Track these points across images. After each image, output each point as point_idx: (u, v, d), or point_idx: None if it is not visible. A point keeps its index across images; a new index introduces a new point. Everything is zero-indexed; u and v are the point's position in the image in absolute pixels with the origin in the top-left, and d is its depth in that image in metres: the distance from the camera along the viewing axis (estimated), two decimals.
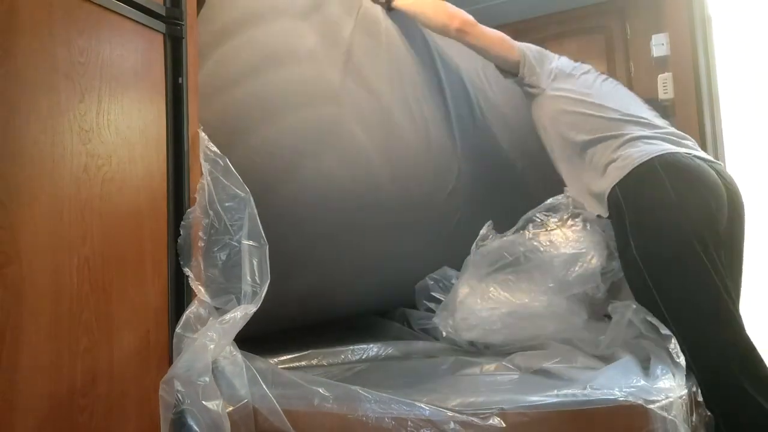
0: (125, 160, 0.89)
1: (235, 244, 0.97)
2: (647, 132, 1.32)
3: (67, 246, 0.79)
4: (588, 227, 1.39)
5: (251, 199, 0.99)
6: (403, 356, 1.35)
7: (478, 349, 1.37)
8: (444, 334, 1.38)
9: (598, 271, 1.35)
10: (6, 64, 0.74)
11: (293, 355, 1.29)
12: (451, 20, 1.48)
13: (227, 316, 0.92)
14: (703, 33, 2.31)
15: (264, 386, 0.92)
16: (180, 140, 0.98)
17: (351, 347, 1.35)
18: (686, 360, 1.09)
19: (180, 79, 0.99)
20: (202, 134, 1.02)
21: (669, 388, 0.98)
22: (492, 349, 1.36)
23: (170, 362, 0.92)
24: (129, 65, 0.91)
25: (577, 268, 1.35)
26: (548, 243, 1.38)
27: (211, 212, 0.98)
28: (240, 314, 0.92)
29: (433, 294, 1.49)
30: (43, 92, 0.78)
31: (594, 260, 1.36)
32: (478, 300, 1.34)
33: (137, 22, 0.93)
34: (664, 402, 0.94)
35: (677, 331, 1.12)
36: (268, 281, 0.96)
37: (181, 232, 0.97)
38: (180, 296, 0.96)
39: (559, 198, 1.46)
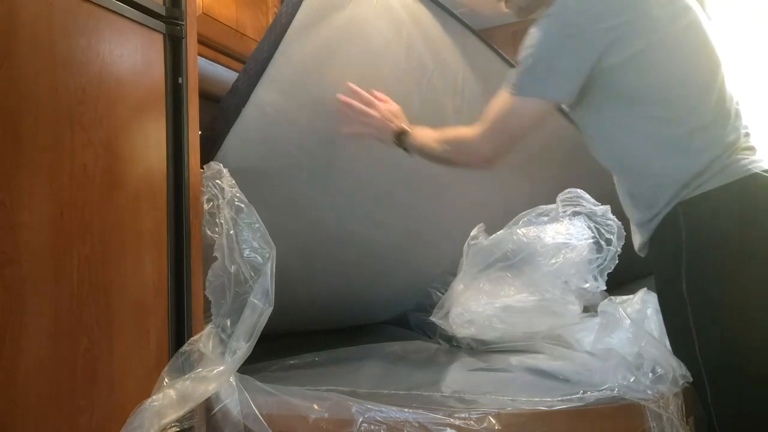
0: (125, 160, 0.89)
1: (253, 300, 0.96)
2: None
3: (67, 246, 0.80)
4: (573, 220, 1.41)
5: (274, 253, 0.98)
6: (399, 356, 1.36)
7: (474, 349, 1.38)
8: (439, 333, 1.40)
9: (585, 261, 1.36)
10: (6, 64, 0.74)
11: (292, 358, 1.30)
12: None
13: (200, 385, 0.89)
14: None
15: (255, 409, 0.92)
16: (180, 140, 0.98)
17: (348, 348, 1.36)
18: (711, 420, 0.99)
19: (180, 79, 0.99)
20: (231, 180, 1.02)
21: (665, 385, 0.99)
22: (489, 346, 1.37)
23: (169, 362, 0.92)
24: (129, 65, 0.91)
25: (561, 259, 1.36)
26: (534, 237, 1.39)
27: (233, 266, 0.97)
28: (212, 385, 0.90)
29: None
30: (43, 92, 0.78)
31: (578, 250, 1.37)
32: (473, 296, 1.36)
33: (137, 22, 0.93)
34: (660, 400, 0.95)
35: (710, 389, 1.00)
36: (254, 343, 0.95)
37: (207, 285, 0.97)
38: (180, 296, 0.96)
39: (550, 206, 1.47)
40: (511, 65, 1.58)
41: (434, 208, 1.52)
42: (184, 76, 0.99)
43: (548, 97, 1.05)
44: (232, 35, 1.73)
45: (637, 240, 1.15)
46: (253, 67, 1.14)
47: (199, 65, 1.06)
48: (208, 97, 1.88)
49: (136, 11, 0.92)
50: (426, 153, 1.21)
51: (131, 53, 0.92)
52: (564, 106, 1.16)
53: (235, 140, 1.12)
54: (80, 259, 0.81)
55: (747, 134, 1.08)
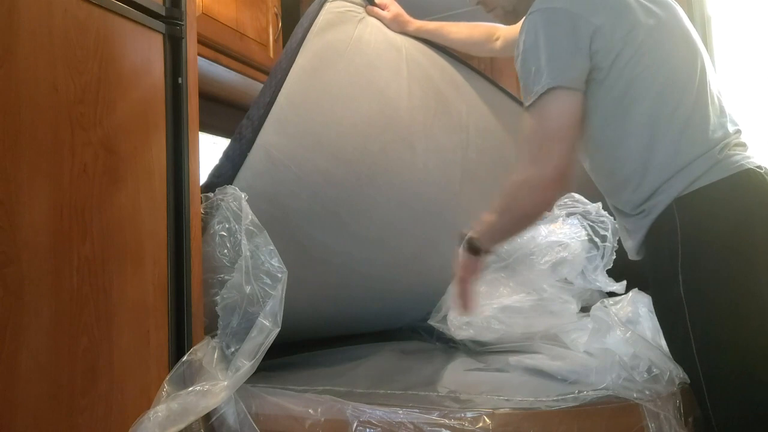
0: (125, 160, 0.90)
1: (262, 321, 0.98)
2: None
3: (67, 246, 0.80)
4: (567, 220, 1.41)
5: (286, 279, 0.99)
6: (396, 356, 1.36)
7: (471, 350, 1.38)
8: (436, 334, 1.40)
9: (580, 259, 1.36)
10: (6, 64, 0.75)
11: (289, 357, 1.30)
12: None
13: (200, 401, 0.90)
14: (703, 33, 2.31)
15: (251, 417, 0.94)
16: (179, 140, 0.99)
17: (346, 347, 1.37)
18: (709, 422, 0.98)
19: (180, 79, 0.99)
20: (245, 204, 1.03)
21: (661, 385, 0.99)
22: (486, 347, 1.38)
23: (169, 363, 0.93)
24: (129, 65, 0.92)
25: (554, 257, 1.37)
26: (528, 237, 1.40)
27: (248, 287, 0.99)
28: (214, 400, 0.91)
29: None
30: (43, 92, 0.79)
31: (571, 248, 1.38)
32: None
33: (137, 22, 0.93)
34: (656, 399, 0.95)
35: (708, 392, 0.98)
36: (257, 364, 0.96)
37: (219, 301, 0.99)
38: (180, 296, 0.96)
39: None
40: (513, 98, 1.60)
41: (451, 247, 1.51)
42: (184, 76, 1.00)
43: (568, 85, 1.00)
44: (231, 35, 1.73)
45: (629, 243, 1.14)
46: (257, 113, 1.15)
47: (199, 65, 1.07)
48: (208, 97, 1.88)
49: (136, 11, 0.93)
50: (499, 236, 1.12)
51: (131, 53, 0.92)
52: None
53: (242, 184, 1.12)
54: (80, 259, 0.81)
55: (738, 131, 1.07)
